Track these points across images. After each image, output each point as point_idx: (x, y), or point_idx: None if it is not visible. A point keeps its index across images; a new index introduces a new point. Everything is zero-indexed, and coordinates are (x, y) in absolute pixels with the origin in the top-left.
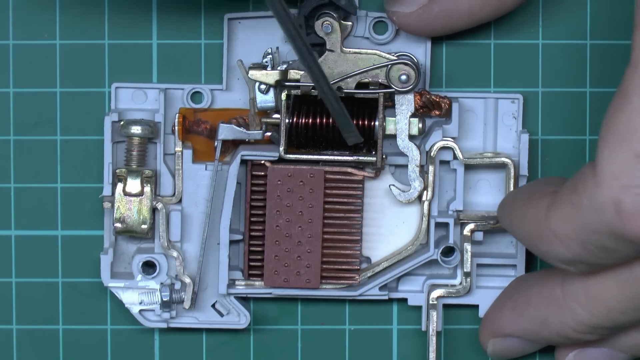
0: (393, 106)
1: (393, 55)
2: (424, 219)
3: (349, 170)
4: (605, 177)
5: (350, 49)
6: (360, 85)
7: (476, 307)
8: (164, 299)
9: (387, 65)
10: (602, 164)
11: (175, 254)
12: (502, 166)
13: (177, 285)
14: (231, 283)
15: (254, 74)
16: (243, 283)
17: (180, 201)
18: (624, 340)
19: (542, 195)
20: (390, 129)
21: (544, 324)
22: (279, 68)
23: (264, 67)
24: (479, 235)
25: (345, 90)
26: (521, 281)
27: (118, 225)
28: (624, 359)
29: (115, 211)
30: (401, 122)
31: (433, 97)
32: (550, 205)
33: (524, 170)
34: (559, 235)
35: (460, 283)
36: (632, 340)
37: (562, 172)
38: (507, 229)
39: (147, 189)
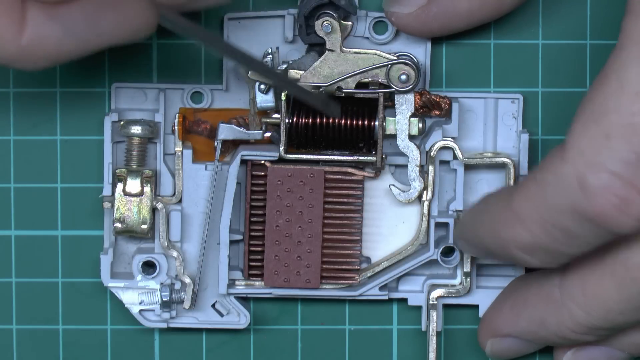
0: (393, 106)
1: (393, 55)
2: (424, 219)
3: (349, 170)
4: (572, 153)
5: (350, 49)
6: (360, 85)
7: (476, 307)
8: (164, 299)
9: (387, 65)
10: (571, 140)
11: (175, 254)
12: (502, 166)
13: (177, 285)
14: (231, 283)
15: (254, 74)
16: (243, 283)
17: (180, 201)
18: (623, 338)
19: (503, 190)
20: (390, 129)
21: (542, 324)
22: (279, 68)
23: None
24: None
25: (345, 90)
26: (520, 281)
27: (118, 225)
28: (622, 357)
29: (115, 211)
30: (401, 122)
31: (433, 97)
32: (515, 189)
33: (524, 170)
34: (521, 215)
35: (460, 283)
36: (631, 339)
37: None
38: (465, 240)
39: (147, 189)
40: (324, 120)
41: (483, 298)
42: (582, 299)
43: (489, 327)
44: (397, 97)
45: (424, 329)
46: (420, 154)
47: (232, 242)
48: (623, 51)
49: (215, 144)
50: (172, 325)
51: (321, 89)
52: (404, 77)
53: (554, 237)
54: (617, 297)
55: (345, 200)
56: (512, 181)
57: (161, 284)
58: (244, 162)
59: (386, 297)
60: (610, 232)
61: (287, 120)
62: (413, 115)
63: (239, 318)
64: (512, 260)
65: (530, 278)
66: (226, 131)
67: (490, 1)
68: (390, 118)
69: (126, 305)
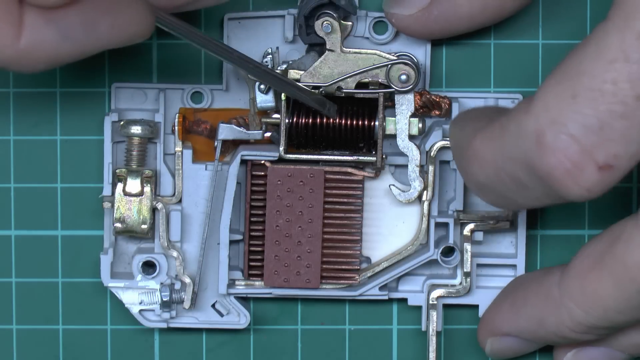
0: (393, 106)
1: (393, 55)
2: (424, 219)
3: (349, 170)
4: (537, 106)
5: (350, 49)
6: (360, 85)
7: (476, 307)
8: (164, 299)
9: (387, 65)
10: (539, 94)
11: (175, 254)
12: None
13: (177, 285)
14: (231, 283)
15: (252, 75)
16: (243, 283)
17: (180, 201)
18: (623, 339)
19: (479, 112)
20: (390, 129)
21: (541, 323)
22: (279, 68)
23: None
24: (479, 235)
25: (345, 90)
26: (519, 280)
27: (118, 225)
28: (622, 358)
29: (115, 211)
30: (401, 122)
31: (433, 97)
32: (484, 125)
33: None
34: (479, 154)
35: (460, 283)
36: (631, 340)
37: None
38: (450, 143)
39: (147, 189)
40: (324, 120)
41: (483, 298)
42: (581, 298)
43: (489, 326)
44: (397, 97)
45: (424, 329)
46: (420, 154)
47: (232, 242)
48: (609, 21)
49: (215, 144)
50: (172, 325)
51: (321, 89)
52: (404, 77)
53: (506, 183)
54: (615, 296)
55: (345, 200)
56: None
57: (161, 284)
58: (244, 162)
59: (386, 297)
60: (558, 194)
61: (287, 120)
62: (413, 115)
63: (239, 318)
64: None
65: (530, 277)
66: (226, 131)
67: (492, 5)
68: (390, 118)
69: (126, 305)
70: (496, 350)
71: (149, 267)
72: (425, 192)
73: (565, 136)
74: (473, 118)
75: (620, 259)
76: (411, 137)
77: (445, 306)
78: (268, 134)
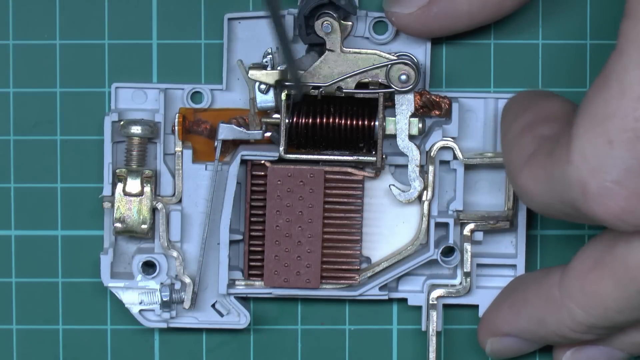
0: (393, 106)
1: (393, 55)
2: (424, 219)
3: (349, 170)
4: (576, 157)
5: (350, 49)
6: (360, 85)
7: (476, 307)
8: (164, 299)
9: (387, 65)
10: (575, 143)
11: (175, 254)
12: (502, 166)
13: (177, 285)
14: (231, 283)
15: (254, 74)
16: (243, 283)
17: (180, 201)
18: (622, 338)
19: (531, 132)
20: (390, 129)
21: (541, 323)
22: (279, 68)
23: (264, 67)
24: (479, 235)
25: (345, 90)
26: (519, 280)
27: (118, 225)
28: (621, 357)
29: (115, 211)
30: (401, 122)
31: (433, 97)
32: (529, 158)
33: None
34: (527, 190)
35: (460, 283)
36: (630, 339)
37: None
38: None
39: (147, 189)
40: (324, 120)
41: (483, 298)
42: (581, 297)
43: (489, 326)
44: (397, 97)
45: (424, 329)
46: (420, 154)
47: (232, 242)
48: (624, 54)
49: (215, 144)
50: (172, 325)
51: (321, 89)
52: (404, 77)
53: (556, 215)
54: (616, 296)
55: (345, 200)
56: None
57: (161, 284)
58: (244, 162)
59: (386, 297)
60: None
61: (287, 120)
62: (413, 115)
63: (239, 318)
64: None
65: (530, 277)
66: (226, 131)
67: (491, 3)
68: (390, 118)
69: (126, 305)
70: (496, 351)
71: (149, 267)
72: (425, 192)
73: (609, 184)
74: (521, 123)
75: (620, 259)
76: (411, 137)
77: (445, 306)
78: (268, 134)
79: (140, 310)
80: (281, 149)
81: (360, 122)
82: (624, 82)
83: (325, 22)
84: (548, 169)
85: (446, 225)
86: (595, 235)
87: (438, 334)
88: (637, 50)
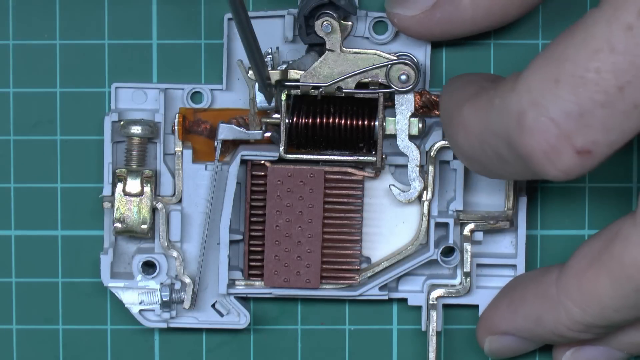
0: (393, 106)
1: (393, 55)
2: (424, 219)
3: (349, 170)
4: (521, 86)
5: (350, 49)
6: (360, 85)
7: (476, 307)
8: (164, 299)
9: (387, 65)
10: (525, 74)
11: (175, 254)
12: None
13: (177, 285)
14: (231, 283)
15: (254, 74)
16: (243, 283)
17: (180, 201)
18: (622, 338)
19: (472, 79)
20: (390, 129)
21: (538, 321)
22: (279, 68)
23: None
24: (479, 235)
25: (345, 90)
26: (517, 279)
27: (118, 225)
28: (621, 357)
29: (115, 211)
30: (401, 122)
31: (433, 97)
32: (474, 94)
33: None
34: (465, 122)
35: (460, 283)
36: (630, 339)
37: None
38: (440, 108)
39: (147, 189)
40: (324, 120)
41: (483, 298)
42: (578, 296)
43: (487, 325)
44: (397, 97)
45: (424, 329)
46: (420, 154)
47: (232, 242)
48: (598, 10)
49: (215, 144)
50: (172, 325)
51: (321, 89)
52: (404, 77)
53: (488, 156)
54: (612, 294)
55: (345, 200)
56: (512, 181)
57: (161, 284)
58: (244, 162)
59: (386, 297)
60: (535, 172)
61: (287, 120)
62: (413, 115)
63: (239, 318)
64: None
65: (528, 276)
66: (226, 131)
67: (496, 10)
68: (390, 118)
69: (126, 305)
70: (495, 349)
71: (149, 267)
72: (425, 192)
73: (545, 119)
74: (465, 83)
75: (617, 257)
76: (411, 137)
77: (445, 306)
78: (268, 134)
79: (140, 310)
80: (281, 149)
81: (360, 122)
82: (589, 33)
83: (325, 22)
84: (491, 97)
85: (446, 225)
86: (592, 234)
87: (438, 334)
88: (612, 6)
